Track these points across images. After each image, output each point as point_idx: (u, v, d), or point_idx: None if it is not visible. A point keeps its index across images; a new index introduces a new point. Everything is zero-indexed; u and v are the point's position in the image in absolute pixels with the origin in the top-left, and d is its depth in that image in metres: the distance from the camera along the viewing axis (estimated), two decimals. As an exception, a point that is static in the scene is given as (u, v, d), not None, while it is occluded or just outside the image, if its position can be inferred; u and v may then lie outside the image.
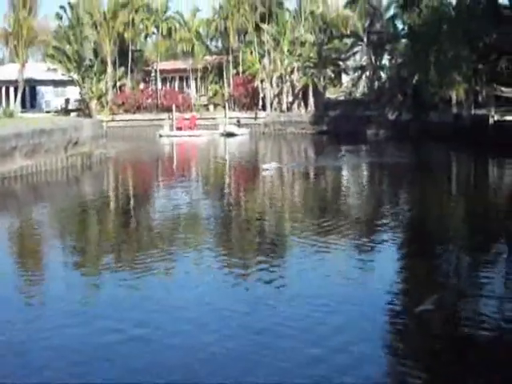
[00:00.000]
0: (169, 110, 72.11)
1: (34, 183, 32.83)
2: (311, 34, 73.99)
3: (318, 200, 27.69)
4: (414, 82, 62.16)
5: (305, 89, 72.96)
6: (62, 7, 75.44)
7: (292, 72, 73.17)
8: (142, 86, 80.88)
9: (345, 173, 38.76)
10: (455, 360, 10.35)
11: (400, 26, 67.37)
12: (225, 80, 75.71)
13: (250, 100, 73.72)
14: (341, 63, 75.84)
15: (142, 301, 13.43)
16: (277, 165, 37.90)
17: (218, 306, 12.86)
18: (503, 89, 55.72)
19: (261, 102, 73.04)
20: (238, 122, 70.65)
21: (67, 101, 79.48)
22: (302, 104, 73.24)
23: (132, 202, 28.99)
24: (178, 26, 78.03)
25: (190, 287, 14.39)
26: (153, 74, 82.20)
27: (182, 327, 11.88)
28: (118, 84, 76.77)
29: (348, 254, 16.93)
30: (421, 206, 25.77)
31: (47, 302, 13.91)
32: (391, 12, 69.04)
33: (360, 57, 75.14)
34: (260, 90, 73.05)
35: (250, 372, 9.97)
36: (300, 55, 73.19)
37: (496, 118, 49.72)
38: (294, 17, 76.43)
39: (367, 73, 72.25)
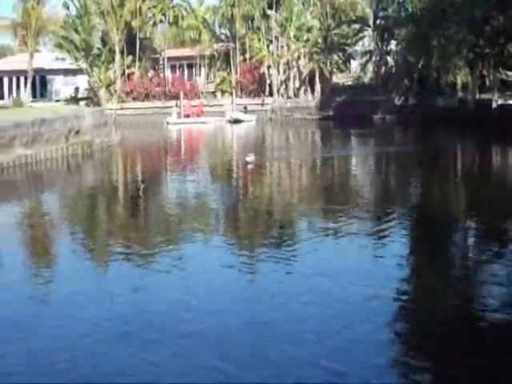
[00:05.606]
0: (177, 97, 72.54)
1: (32, 172, 32.94)
2: (318, 19, 74.07)
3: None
4: (419, 67, 62.03)
5: (311, 74, 73.15)
6: (69, -4, 76.11)
7: (299, 58, 73.33)
8: (150, 73, 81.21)
9: (350, 161, 37.87)
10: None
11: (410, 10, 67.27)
12: (232, 67, 76.02)
13: (257, 86, 74.08)
14: (348, 48, 75.90)
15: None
16: (258, 158, 34.03)
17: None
18: (509, 73, 55.65)
19: (268, 89, 73.33)
20: (245, 108, 70.95)
21: (77, 89, 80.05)
22: (309, 90, 73.39)
23: (129, 190, 29.11)
24: (184, 13, 78.48)
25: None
26: (161, 62, 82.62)
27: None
28: (127, 72, 77.32)
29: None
30: (424, 192, 26.17)
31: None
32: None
33: (368, 42, 75.08)
34: (267, 77, 73.35)
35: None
36: (307, 41, 73.29)
37: (500, 102, 49.66)
38: (302, 3, 76.60)
39: (374, 58, 72.19)
